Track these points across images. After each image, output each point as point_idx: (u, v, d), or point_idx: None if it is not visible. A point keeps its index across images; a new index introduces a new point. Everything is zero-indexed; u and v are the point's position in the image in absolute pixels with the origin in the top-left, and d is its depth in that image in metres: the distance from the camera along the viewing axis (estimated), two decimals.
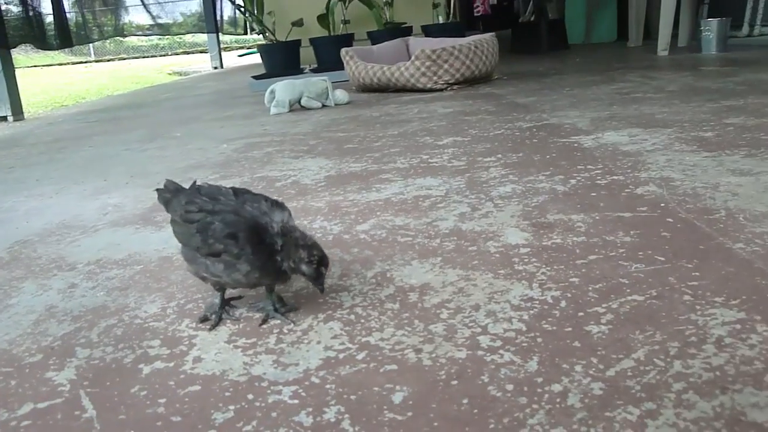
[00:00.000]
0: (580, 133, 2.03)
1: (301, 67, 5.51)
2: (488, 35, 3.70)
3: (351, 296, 1.00)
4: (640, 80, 3.18)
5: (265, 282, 0.94)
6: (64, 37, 7.81)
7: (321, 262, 0.90)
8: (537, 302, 0.91)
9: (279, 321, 0.93)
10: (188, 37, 19.04)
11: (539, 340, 0.81)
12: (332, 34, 5.54)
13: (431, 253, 1.14)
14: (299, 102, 3.34)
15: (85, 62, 17.25)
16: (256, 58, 6.73)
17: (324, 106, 3.36)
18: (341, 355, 0.82)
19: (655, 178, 1.45)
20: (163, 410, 0.74)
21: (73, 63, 17.08)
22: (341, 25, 5.68)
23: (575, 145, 1.88)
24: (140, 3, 9.15)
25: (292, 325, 0.92)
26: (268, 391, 0.76)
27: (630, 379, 0.70)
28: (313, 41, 5.47)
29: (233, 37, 15.11)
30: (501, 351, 0.79)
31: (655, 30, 4.79)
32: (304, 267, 0.89)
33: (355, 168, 1.88)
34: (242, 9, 6.57)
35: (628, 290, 0.92)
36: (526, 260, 1.06)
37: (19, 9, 5.13)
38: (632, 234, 1.13)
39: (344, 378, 0.77)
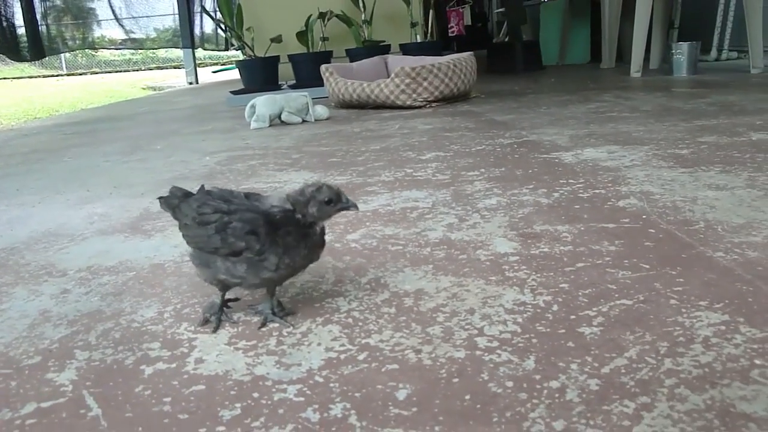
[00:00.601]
0: (560, 150, 2.08)
1: (280, 83, 5.54)
2: (466, 54, 3.77)
3: (347, 301, 1.02)
4: (615, 100, 3.27)
5: (299, 264, 0.94)
6: (36, 48, 7.73)
7: (330, 188, 0.92)
8: (530, 306, 0.94)
9: (278, 324, 0.95)
10: (161, 53, 19.01)
11: (534, 340, 0.84)
12: (311, 51, 5.58)
13: (423, 261, 1.17)
14: (279, 117, 3.36)
15: (57, 75, 17.08)
16: (232, 74, 6.75)
17: (304, 121, 3.38)
18: (342, 356, 0.84)
19: (635, 191, 1.50)
20: (170, 408, 0.75)
21: (44, 76, 16.90)
22: (320, 42, 5.74)
23: (556, 160, 1.93)
24: (113, 17, 9.14)
25: (291, 327, 0.93)
26: (273, 390, 0.77)
27: (624, 376, 0.73)
28: (291, 58, 5.51)
29: (208, 53, 15.11)
30: (498, 351, 0.82)
31: (627, 52, 4.93)
32: (322, 200, 0.91)
33: (341, 180, 1.90)
34: (222, 24, 6.59)
35: (617, 295, 0.95)
36: (516, 268, 1.10)
37: None
38: (617, 243, 1.17)
39: (347, 377, 0.79)
